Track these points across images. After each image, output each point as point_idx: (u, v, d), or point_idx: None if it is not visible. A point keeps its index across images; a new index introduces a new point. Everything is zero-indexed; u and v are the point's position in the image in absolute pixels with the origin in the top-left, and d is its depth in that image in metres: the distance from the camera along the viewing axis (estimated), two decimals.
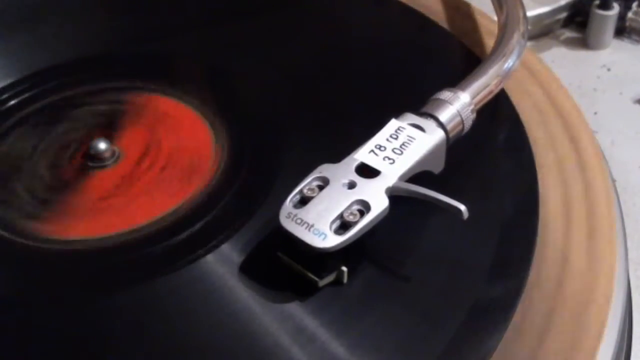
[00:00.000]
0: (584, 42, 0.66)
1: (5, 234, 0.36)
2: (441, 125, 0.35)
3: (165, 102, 0.44)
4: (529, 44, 0.64)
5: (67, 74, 0.46)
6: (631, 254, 0.43)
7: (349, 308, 0.31)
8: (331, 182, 0.32)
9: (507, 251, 0.33)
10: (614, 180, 0.39)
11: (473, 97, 0.37)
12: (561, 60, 0.65)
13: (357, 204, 0.31)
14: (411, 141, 0.33)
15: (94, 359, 0.30)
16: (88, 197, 0.38)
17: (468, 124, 0.36)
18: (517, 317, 0.31)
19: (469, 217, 0.31)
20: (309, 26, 0.50)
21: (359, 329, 0.30)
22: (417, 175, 0.34)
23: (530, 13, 0.64)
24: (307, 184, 0.32)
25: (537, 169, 0.38)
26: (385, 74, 0.45)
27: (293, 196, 0.31)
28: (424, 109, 0.36)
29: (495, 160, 0.39)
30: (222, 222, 0.35)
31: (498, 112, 0.41)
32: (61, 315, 0.32)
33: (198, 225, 0.35)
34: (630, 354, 0.37)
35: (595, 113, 0.59)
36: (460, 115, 0.35)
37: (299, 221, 0.30)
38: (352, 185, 0.32)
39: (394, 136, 0.34)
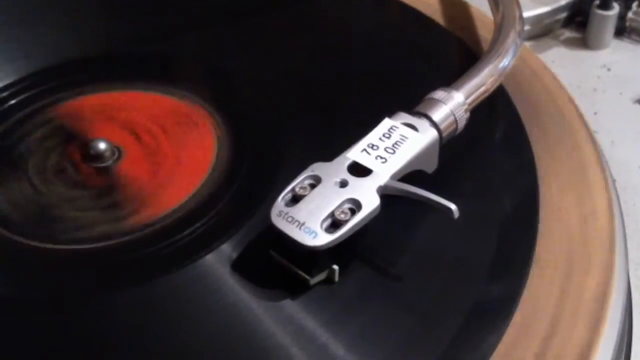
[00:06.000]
0: (584, 42, 0.66)
1: (6, 234, 0.36)
2: (434, 124, 0.35)
3: (165, 102, 0.44)
4: (528, 43, 0.65)
5: (66, 74, 0.46)
6: (631, 254, 0.43)
7: (347, 308, 0.31)
8: (323, 181, 0.32)
9: (506, 251, 0.33)
10: (614, 180, 0.39)
11: (467, 97, 0.37)
12: (561, 60, 0.64)
13: (349, 203, 0.31)
14: (404, 140, 0.34)
15: (93, 359, 0.30)
16: (88, 196, 0.38)
17: (462, 124, 0.36)
18: (516, 317, 0.31)
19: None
20: (309, 26, 0.51)
21: (357, 328, 0.30)
22: (416, 174, 0.34)
23: (530, 13, 0.65)
24: (299, 182, 0.32)
25: (537, 168, 0.38)
26: (385, 73, 0.45)
27: (285, 194, 0.32)
28: (418, 108, 0.36)
29: (495, 160, 0.39)
30: (221, 222, 0.35)
31: (498, 112, 0.41)
32: (61, 315, 0.32)
33: (198, 225, 0.35)
34: (630, 354, 0.37)
35: (595, 113, 0.59)
36: (454, 115, 0.36)
37: (290, 219, 0.30)
38: (343, 184, 0.32)
39: (387, 135, 0.34)
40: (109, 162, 0.40)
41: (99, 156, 0.39)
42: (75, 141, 0.41)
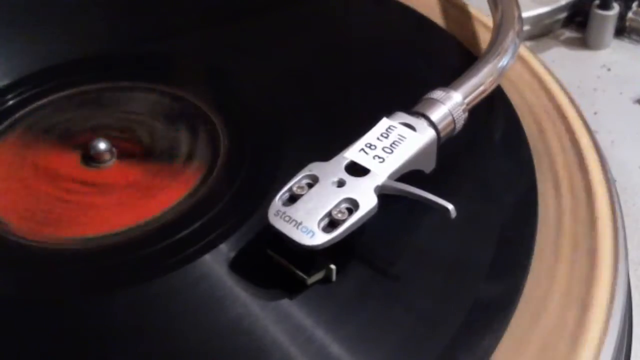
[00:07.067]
0: (584, 42, 0.66)
1: (5, 234, 0.36)
2: (432, 124, 0.35)
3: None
4: (528, 43, 0.65)
5: (67, 74, 0.46)
6: (631, 254, 0.43)
7: (345, 307, 0.31)
8: (320, 180, 0.32)
9: (506, 251, 0.33)
10: (614, 180, 0.39)
11: (465, 97, 0.37)
12: (561, 60, 0.64)
13: (346, 202, 0.31)
14: (402, 140, 0.34)
15: (93, 359, 0.30)
16: (88, 196, 0.38)
17: (460, 124, 0.36)
18: (515, 317, 0.31)
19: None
20: (309, 26, 0.51)
21: (356, 328, 0.30)
22: (414, 174, 0.34)
23: (530, 13, 0.64)
24: (297, 181, 0.32)
25: (536, 168, 0.38)
26: (384, 73, 0.45)
27: (282, 194, 0.32)
28: (416, 108, 0.36)
29: (494, 160, 0.39)
30: (221, 221, 0.35)
31: (497, 113, 0.42)
32: (61, 315, 0.32)
33: (197, 225, 0.35)
34: (630, 354, 0.37)
35: (595, 113, 0.59)
36: (452, 115, 0.36)
37: (287, 219, 0.30)
38: (341, 184, 0.32)
39: (385, 135, 0.34)
40: (108, 163, 0.40)
41: (98, 156, 0.39)
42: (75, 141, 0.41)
